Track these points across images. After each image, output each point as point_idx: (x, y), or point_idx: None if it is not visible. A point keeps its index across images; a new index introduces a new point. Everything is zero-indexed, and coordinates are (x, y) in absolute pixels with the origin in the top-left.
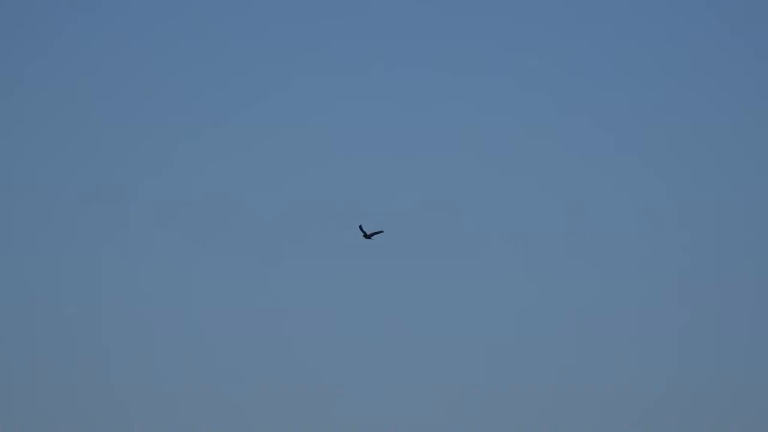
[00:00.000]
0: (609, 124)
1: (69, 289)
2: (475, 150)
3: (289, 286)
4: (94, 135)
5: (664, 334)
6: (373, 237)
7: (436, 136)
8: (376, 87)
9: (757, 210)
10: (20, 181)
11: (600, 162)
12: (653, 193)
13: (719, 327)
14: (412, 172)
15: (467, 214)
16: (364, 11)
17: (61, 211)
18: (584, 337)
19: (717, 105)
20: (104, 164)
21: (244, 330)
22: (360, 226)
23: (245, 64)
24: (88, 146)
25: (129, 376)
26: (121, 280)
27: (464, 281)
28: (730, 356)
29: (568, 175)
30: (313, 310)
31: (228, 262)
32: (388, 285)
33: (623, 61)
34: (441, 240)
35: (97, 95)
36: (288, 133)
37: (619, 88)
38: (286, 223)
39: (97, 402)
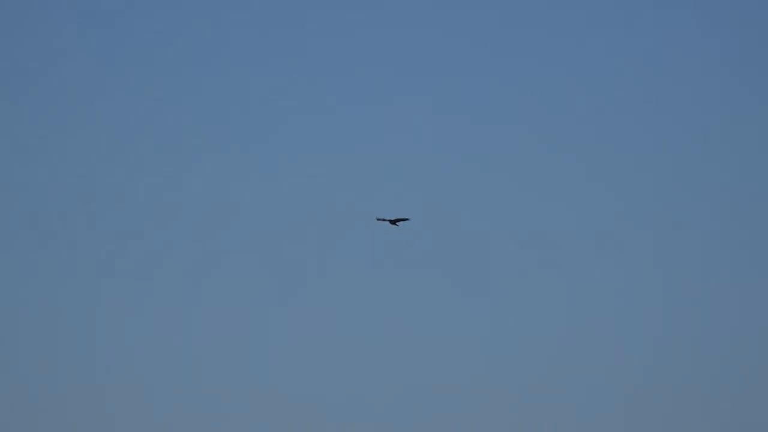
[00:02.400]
0: (609, 124)
1: (69, 289)
2: (476, 150)
3: (289, 286)
4: (94, 135)
5: (663, 333)
6: (398, 223)
7: (436, 136)
8: (377, 88)
9: (757, 210)
10: (20, 181)
11: (600, 162)
12: (653, 193)
13: (719, 327)
14: (413, 173)
15: (467, 214)
16: (364, 11)
17: (61, 211)
18: (584, 337)
19: (717, 105)
20: (104, 164)
21: (244, 330)
22: (378, 218)
23: (245, 64)
24: (88, 146)
25: (129, 376)
26: (122, 280)
27: (464, 281)
28: (730, 356)
29: (568, 176)
30: (314, 310)
31: (228, 262)
32: (388, 285)
33: (623, 61)
34: (441, 240)
35: (97, 95)
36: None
37: (619, 89)
38: (286, 222)
39: (97, 402)
